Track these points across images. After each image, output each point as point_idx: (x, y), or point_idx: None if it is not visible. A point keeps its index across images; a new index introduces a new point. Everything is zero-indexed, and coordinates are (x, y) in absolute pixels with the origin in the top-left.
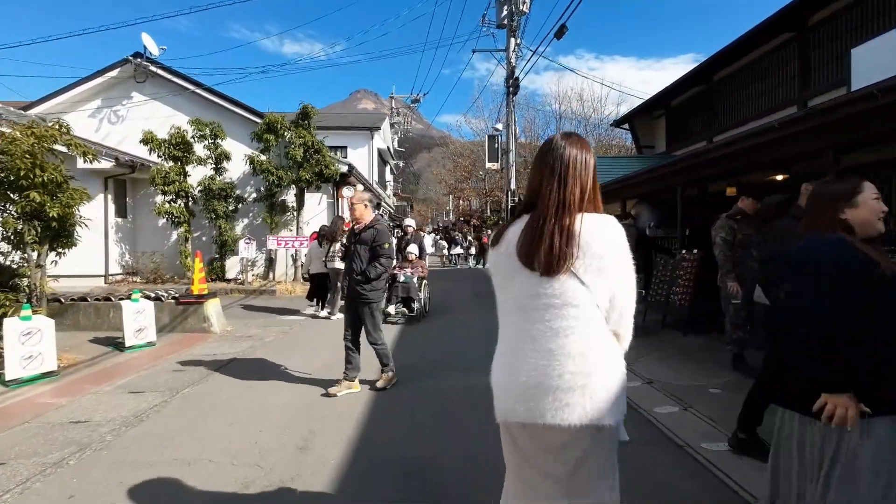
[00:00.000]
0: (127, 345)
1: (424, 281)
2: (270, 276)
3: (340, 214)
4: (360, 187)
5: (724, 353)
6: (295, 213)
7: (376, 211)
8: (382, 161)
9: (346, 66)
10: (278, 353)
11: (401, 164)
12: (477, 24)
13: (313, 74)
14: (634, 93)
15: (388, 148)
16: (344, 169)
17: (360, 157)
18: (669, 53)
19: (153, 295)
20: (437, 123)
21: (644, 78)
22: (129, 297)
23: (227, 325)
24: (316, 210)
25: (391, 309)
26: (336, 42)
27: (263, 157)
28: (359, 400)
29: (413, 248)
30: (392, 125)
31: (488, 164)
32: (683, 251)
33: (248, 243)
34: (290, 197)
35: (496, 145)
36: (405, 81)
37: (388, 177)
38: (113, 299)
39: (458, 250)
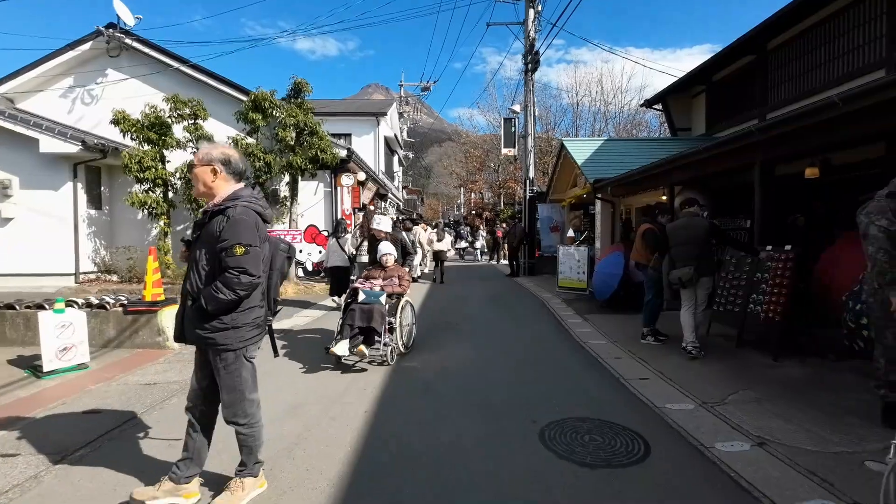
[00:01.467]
0: (46, 369)
1: (405, 300)
2: None
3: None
4: (361, 175)
5: (856, 394)
6: (288, 204)
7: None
8: (389, 150)
9: (357, 61)
10: None
11: (410, 154)
12: None
13: (323, 69)
14: (668, 70)
15: (395, 136)
16: (343, 154)
17: (366, 146)
18: (685, 44)
19: (96, 301)
20: (448, 118)
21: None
22: (70, 305)
23: None
24: (312, 200)
25: (340, 348)
26: (348, 38)
27: (251, 140)
28: None
29: (387, 249)
30: (401, 114)
31: (504, 151)
32: (769, 248)
33: None
34: (282, 186)
35: (512, 129)
36: (416, 73)
37: (397, 167)
38: (47, 307)
39: (462, 244)
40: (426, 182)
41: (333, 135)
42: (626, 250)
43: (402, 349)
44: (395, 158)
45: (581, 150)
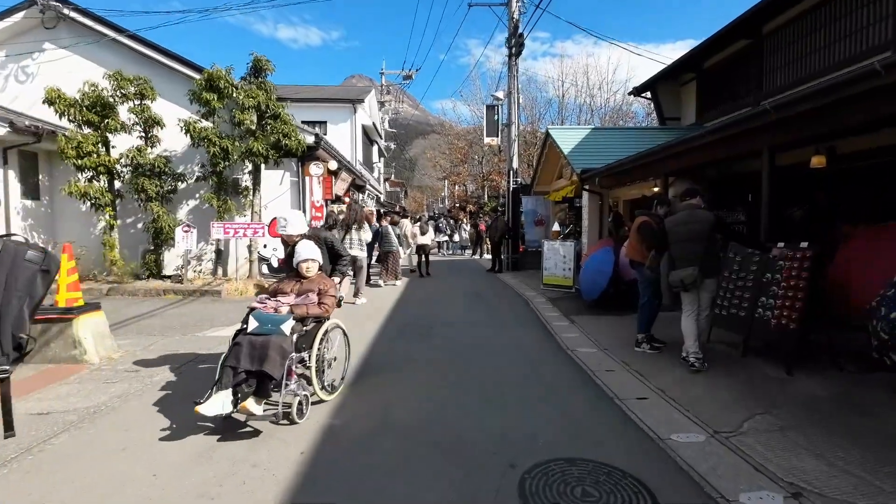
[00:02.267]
0: None
1: (331, 324)
2: (219, 272)
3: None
4: (332, 164)
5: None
6: (250, 195)
7: (361, 197)
8: (368, 140)
9: (341, 51)
10: (168, 405)
11: (392, 145)
12: None
13: (305, 58)
14: (657, 58)
15: (374, 125)
16: (310, 140)
17: (342, 135)
18: (667, 38)
19: None
20: (433, 110)
21: (641, 62)
22: None
23: (113, 350)
24: (277, 191)
25: (211, 406)
26: (332, 28)
27: (206, 124)
28: None
29: (307, 252)
30: (382, 104)
31: (487, 140)
32: (780, 244)
33: (186, 232)
34: (245, 175)
35: (496, 117)
36: (398, 63)
37: (377, 158)
38: None
39: (441, 237)
40: (410, 175)
41: (308, 122)
42: (616, 246)
43: (323, 395)
44: (375, 149)
45: (567, 138)
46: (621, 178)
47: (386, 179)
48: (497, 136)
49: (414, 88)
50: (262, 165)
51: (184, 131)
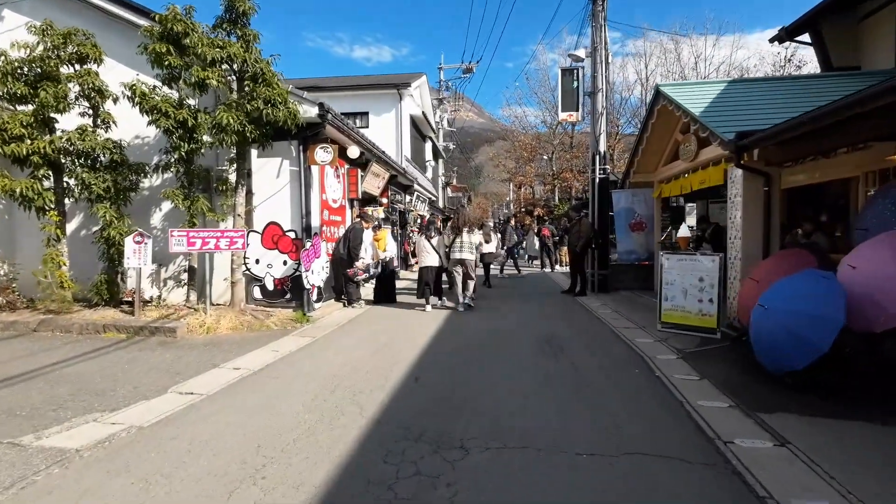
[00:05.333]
0: None
1: None
2: (190, 297)
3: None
4: (353, 150)
5: None
6: (234, 190)
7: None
8: (419, 134)
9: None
10: None
11: (451, 146)
12: None
13: (364, 70)
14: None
15: (424, 116)
16: (312, 113)
17: (386, 126)
18: (754, 27)
19: None
20: (499, 117)
21: (723, 56)
22: None
23: None
24: (272, 186)
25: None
26: (402, 45)
27: (167, 91)
28: None
29: None
30: (440, 100)
31: (562, 115)
32: None
33: (139, 243)
34: (230, 166)
35: (574, 83)
36: (458, 59)
37: (429, 156)
38: None
39: (489, 247)
40: (476, 181)
41: (347, 114)
42: (822, 263)
43: None
44: (429, 146)
45: (691, 97)
46: (811, 145)
47: (447, 184)
48: (577, 110)
49: (480, 98)
50: (254, 152)
51: (128, 98)
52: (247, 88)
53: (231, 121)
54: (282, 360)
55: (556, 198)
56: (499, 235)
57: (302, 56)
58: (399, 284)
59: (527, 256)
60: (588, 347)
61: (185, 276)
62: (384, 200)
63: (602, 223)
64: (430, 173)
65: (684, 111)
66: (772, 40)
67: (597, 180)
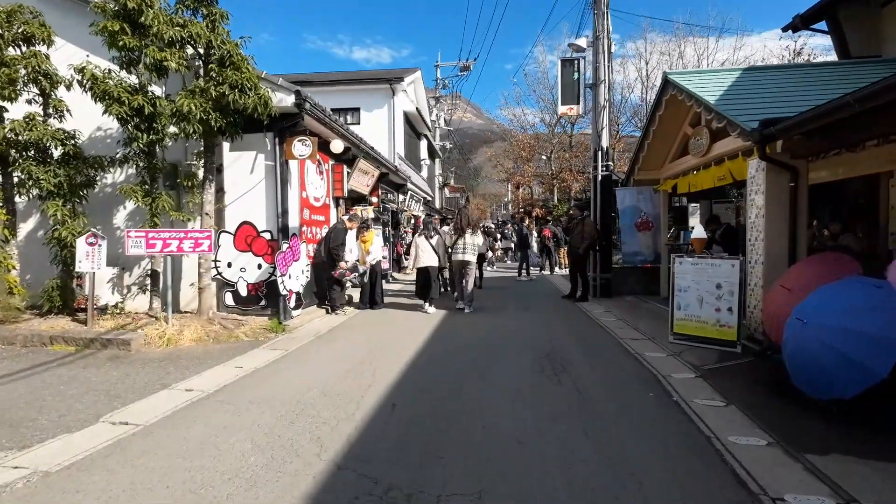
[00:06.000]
0: None
1: None
2: (153, 304)
3: (369, 206)
4: (337, 144)
5: None
6: (201, 187)
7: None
8: (413, 131)
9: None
10: None
11: (448, 145)
12: None
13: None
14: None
15: (419, 113)
16: (288, 102)
17: (378, 123)
18: (753, 28)
19: None
20: (497, 117)
21: (726, 54)
22: None
23: None
24: (246, 182)
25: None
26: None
27: (125, 78)
28: None
29: None
30: (437, 99)
31: (562, 108)
32: None
33: (93, 245)
34: (198, 161)
35: (574, 75)
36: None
37: (425, 155)
38: None
39: (508, 244)
40: (475, 182)
41: (337, 110)
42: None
43: None
44: (424, 144)
45: (702, 86)
46: (846, 134)
47: (445, 185)
48: (577, 103)
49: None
50: (226, 145)
51: (79, 83)
52: (213, 73)
53: (193, 108)
54: (243, 380)
55: (556, 198)
56: (488, 238)
57: (302, 57)
58: (392, 287)
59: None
60: (593, 365)
61: (149, 282)
62: (374, 199)
63: (605, 223)
64: (425, 172)
65: (696, 100)
66: (785, 29)
67: (599, 178)
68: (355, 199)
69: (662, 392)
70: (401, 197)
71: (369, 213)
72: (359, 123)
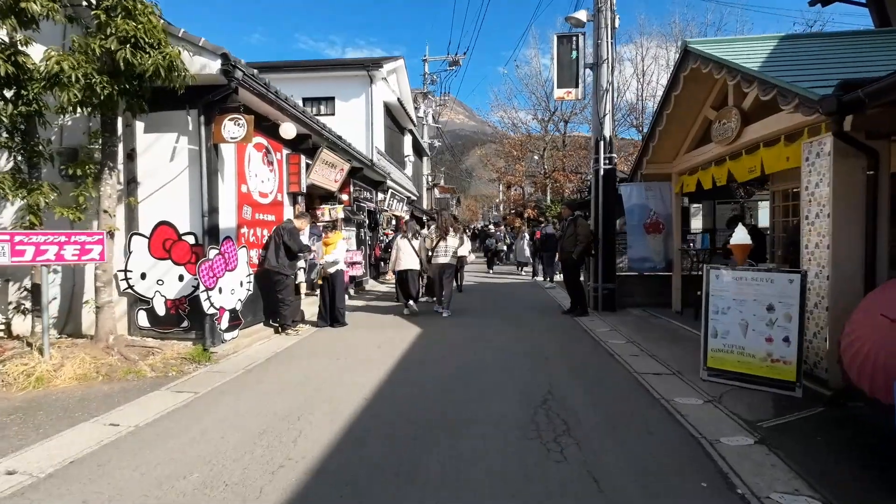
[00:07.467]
0: None
1: None
2: (36, 328)
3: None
4: (288, 128)
5: None
6: (97, 176)
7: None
8: (395, 124)
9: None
10: None
11: (437, 143)
12: None
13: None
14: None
15: (401, 105)
16: (213, 69)
17: (355, 113)
18: (752, 30)
19: None
20: (490, 119)
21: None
22: None
23: None
24: (167, 171)
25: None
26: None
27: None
28: None
29: None
30: (425, 95)
31: (558, 92)
32: None
33: None
34: (96, 143)
35: (573, 54)
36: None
37: (409, 150)
38: None
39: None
40: (467, 184)
41: (310, 99)
42: None
43: None
44: (408, 140)
45: (734, 54)
46: None
47: (434, 185)
48: (576, 86)
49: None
50: (140, 125)
51: None
52: (101, 24)
53: (66, 67)
54: (105, 451)
55: (549, 198)
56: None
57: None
58: (359, 302)
59: (517, 263)
60: (607, 421)
61: (30, 299)
62: (345, 197)
63: (608, 224)
64: (409, 170)
65: (730, 69)
66: (812, 3)
67: (601, 171)
68: (322, 196)
69: (717, 475)
70: (380, 195)
71: (339, 212)
72: (334, 114)
